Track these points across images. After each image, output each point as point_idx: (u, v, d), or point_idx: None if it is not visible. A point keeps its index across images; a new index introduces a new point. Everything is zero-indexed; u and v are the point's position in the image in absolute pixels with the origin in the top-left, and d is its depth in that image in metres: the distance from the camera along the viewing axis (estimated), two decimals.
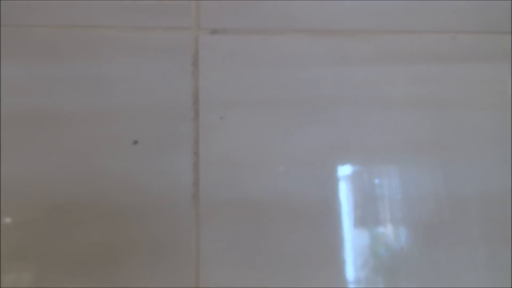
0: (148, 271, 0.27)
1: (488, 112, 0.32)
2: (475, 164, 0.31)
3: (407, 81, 0.32)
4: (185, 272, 0.27)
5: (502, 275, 0.30)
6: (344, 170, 0.30)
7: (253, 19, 0.32)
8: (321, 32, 0.32)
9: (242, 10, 0.32)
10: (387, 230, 0.30)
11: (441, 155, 0.31)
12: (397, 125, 0.31)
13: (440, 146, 0.31)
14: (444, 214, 0.30)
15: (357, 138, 0.31)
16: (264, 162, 0.29)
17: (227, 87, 0.30)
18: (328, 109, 0.31)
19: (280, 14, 0.32)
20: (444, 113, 0.32)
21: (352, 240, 0.29)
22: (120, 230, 0.28)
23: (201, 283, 0.27)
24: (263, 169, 0.29)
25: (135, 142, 0.29)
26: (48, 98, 0.29)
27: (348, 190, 0.30)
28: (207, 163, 0.29)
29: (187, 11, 0.31)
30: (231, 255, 0.28)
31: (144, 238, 0.28)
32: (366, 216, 0.30)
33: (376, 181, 0.30)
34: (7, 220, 0.27)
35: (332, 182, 0.29)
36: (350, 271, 0.28)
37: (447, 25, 0.33)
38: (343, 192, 0.30)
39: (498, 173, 0.31)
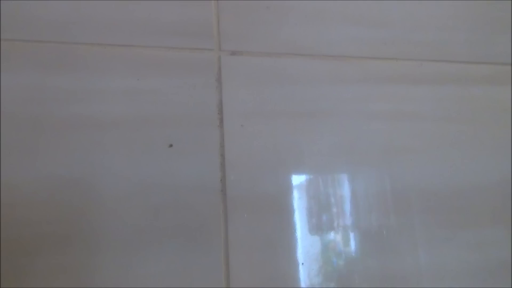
0: (184, 254, 0.32)
1: (444, 123, 0.40)
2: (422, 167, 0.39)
3: (385, 98, 0.40)
4: (216, 255, 0.32)
5: (448, 275, 0.35)
6: (350, 169, 0.37)
7: (265, 43, 0.38)
8: (321, 57, 0.39)
9: (256, 36, 0.38)
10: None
11: (416, 158, 0.38)
12: (379, 133, 0.38)
13: (411, 151, 0.39)
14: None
15: (349, 143, 0.37)
16: (276, 161, 0.35)
17: (246, 100, 0.36)
18: (326, 120, 0.37)
19: (288, 40, 0.38)
20: (414, 124, 0.39)
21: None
22: (159, 221, 0.32)
23: (230, 263, 0.32)
24: (276, 168, 0.35)
25: (170, 146, 0.33)
26: (95, 107, 0.33)
27: (354, 188, 0.36)
28: (231, 163, 0.34)
29: (210, 35, 0.37)
30: (254, 240, 0.33)
31: (180, 227, 0.32)
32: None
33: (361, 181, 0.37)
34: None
35: (342, 179, 0.36)
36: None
37: (416, 55, 0.41)
38: (353, 187, 0.36)
39: (445, 177, 0.39)
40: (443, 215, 0.37)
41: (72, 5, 0.34)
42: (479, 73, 0.42)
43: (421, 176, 0.38)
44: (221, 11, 0.37)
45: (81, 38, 0.34)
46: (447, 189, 0.38)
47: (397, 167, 0.38)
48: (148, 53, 0.35)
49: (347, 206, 0.36)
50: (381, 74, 0.40)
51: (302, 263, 0.33)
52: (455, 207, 0.38)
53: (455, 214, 0.37)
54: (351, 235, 0.35)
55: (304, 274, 0.33)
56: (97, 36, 0.34)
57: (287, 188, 0.35)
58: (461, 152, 0.40)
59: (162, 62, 0.35)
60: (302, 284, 0.33)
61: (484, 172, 0.40)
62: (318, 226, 0.35)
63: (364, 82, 0.39)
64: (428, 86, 0.41)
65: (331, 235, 0.35)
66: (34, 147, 0.31)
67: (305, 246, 0.34)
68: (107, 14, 0.35)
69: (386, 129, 0.39)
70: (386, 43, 0.41)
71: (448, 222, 0.37)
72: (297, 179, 0.35)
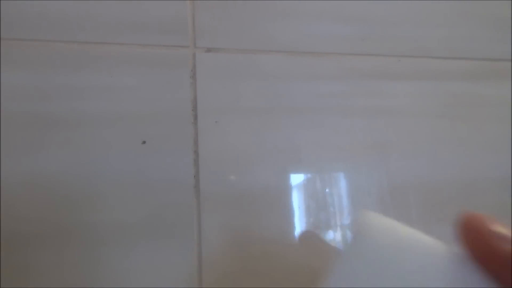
0: (158, 249, 0.32)
1: (423, 118, 0.40)
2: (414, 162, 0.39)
3: (363, 94, 0.40)
4: (189, 250, 0.32)
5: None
6: (327, 165, 0.37)
7: (240, 40, 0.38)
8: (296, 53, 0.39)
9: (231, 33, 0.38)
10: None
11: (386, 156, 0.39)
12: (357, 129, 0.38)
13: (387, 148, 0.39)
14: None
15: (324, 140, 0.37)
16: (250, 159, 0.35)
17: (220, 97, 0.36)
18: (301, 116, 0.37)
19: (263, 36, 0.38)
20: (392, 120, 0.40)
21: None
22: (132, 216, 0.32)
23: (203, 257, 0.32)
24: (250, 165, 0.35)
25: (144, 142, 0.34)
26: (64, 104, 0.33)
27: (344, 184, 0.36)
28: (205, 160, 0.34)
29: (185, 32, 0.37)
30: (227, 235, 0.33)
31: (153, 222, 0.32)
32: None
33: (340, 175, 0.37)
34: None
35: (320, 175, 0.36)
36: None
37: (394, 51, 0.41)
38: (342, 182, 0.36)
39: (435, 170, 0.39)
40: (426, 210, 0.37)
41: (44, 4, 0.34)
42: (458, 68, 0.42)
43: (403, 171, 0.38)
44: (197, 7, 0.37)
45: (54, 36, 0.34)
46: (429, 184, 0.38)
47: (376, 163, 0.38)
48: (122, 50, 0.35)
49: (324, 203, 0.36)
50: (359, 70, 0.40)
51: None
52: (441, 202, 0.38)
53: (438, 209, 0.38)
54: (330, 233, 0.36)
55: None
56: (70, 33, 0.34)
57: (261, 184, 0.35)
58: (442, 148, 0.40)
59: (136, 59, 0.35)
60: None
61: (467, 168, 0.40)
62: (293, 222, 0.35)
63: (342, 78, 0.39)
64: (407, 82, 0.41)
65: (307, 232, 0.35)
66: (15, 144, 0.31)
67: None
68: (80, 11, 0.35)
69: (364, 125, 0.39)
70: (364, 39, 0.41)
71: (441, 215, 0.37)
72: (272, 175, 0.35)
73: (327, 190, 0.36)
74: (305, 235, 0.35)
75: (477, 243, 0.17)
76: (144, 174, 0.33)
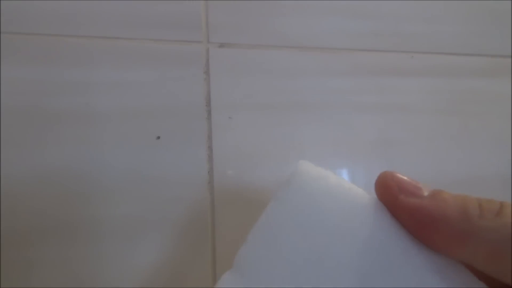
0: (171, 245, 0.32)
1: (435, 115, 0.40)
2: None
3: (376, 90, 0.40)
4: (203, 246, 0.32)
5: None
6: (340, 161, 0.37)
7: (254, 36, 0.38)
8: (308, 48, 0.39)
9: (244, 28, 0.38)
10: None
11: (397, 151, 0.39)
12: (370, 125, 0.38)
13: (401, 144, 0.39)
14: None
15: (337, 136, 0.37)
16: (264, 154, 0.35)
17: (234, 92, 0.36)
18: (315, 112, 0.37)
19: (276, 32, 0.38)
20: (405, 116, 0.40)
21: None
22: (145, 211, 0.32)
23: (217, 253, 0.32)
24: (264, 160, 0.35)
25: (158, 138, 0.34)
26: (77, 99, 0.33)
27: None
28: (219, 155, 0.34)
29: (198, 27, 0.37)
30: (241, 231, 0.33)
31: (166, 218, 0.32)
32: None
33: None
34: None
35: (333, 171, 0.36)
36: None
37: (407, 47, 0.41)
38: None
39: (438, 169, 0.39)
40: None
41: None
42: (470, 65, 0.42)
43: (412, 167, 0.38)
44: (210, 3, 0.37)
45: (68, 31, 0.34)
46: (440, 180, 0.38)
47: (388, 159, 0.38)
48: (136, 45, 0.35)
49: None
50: (371, 66, 0.40)
51: None
52: None
53: None
54: None
55: None
56: (83, 28, 0.34)
57: (275, 181, 0.35)
58: (453, 144, 0.40)
59: (149, 55, 0.35)
60: None
61: (477, 164, 0.40)
62: None
63: (354, 74, 0.39)
64: (419, 78, 0.41)
65: None
66: (23, 140, 0.31)
67: None
68: (92, 6, 0.35)
69: (377, 121, 0.39)
70: (376, 35, 0.41)
71: None
72: (286, 172, 0.35)
73: None
74: None
75: (386, 196, 0.20)
76: (158, 170, 0.33)
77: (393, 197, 0.19)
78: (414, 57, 0.41)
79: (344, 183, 0.21)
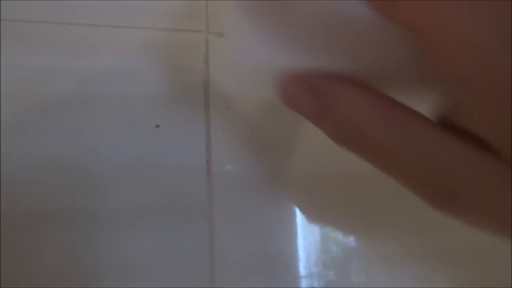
0: (169, 233, 0.32)
1: None
2: None
3: None
4: (201, 234, 0.33)
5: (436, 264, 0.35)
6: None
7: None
8: None
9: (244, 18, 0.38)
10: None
11: None
12: None
13: None
14: None
15: None
16: (263, 144, 0.36)
17: (233, 82, 0.36)
18: None
19: None
20: None
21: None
22: (143, 199, 0.32)
23: (215, 241, 0.33)
24: (261, 149, 0.35)
25: (157, 126, 0.34)
26: (80, 88, 0.33)
27: None
28: (218, 144, 0.34)
29: (198, 16, 0.37)
30: (239, 220, 0.34)
31: (165, 206, 0.33)
32: None
33: None
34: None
35: (333, 159, 0.36)
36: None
37: None
38: None
39: None
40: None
41: None
42: None
43: None
44: None
45: (67, 19, 0.34)
46: None
47: None
48: (135, 34, 0.35)
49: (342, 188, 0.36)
50: None
51: None
52: None
53: None
54: None
55: None
56: (83, 16, 0.34)
57: (274, 169, 0.35)
58: None
59: (149, 43, 0.35)
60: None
61: None
62: None
63: None
64: None
65: None
66: (23, 127, 0.32)
67: None
68: None
69: None
70: None
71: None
72: (284, 160, 0.36)
73: None
74: None
75: None
76: (157, 158, 0.33)
77: None
78: None
79: None
